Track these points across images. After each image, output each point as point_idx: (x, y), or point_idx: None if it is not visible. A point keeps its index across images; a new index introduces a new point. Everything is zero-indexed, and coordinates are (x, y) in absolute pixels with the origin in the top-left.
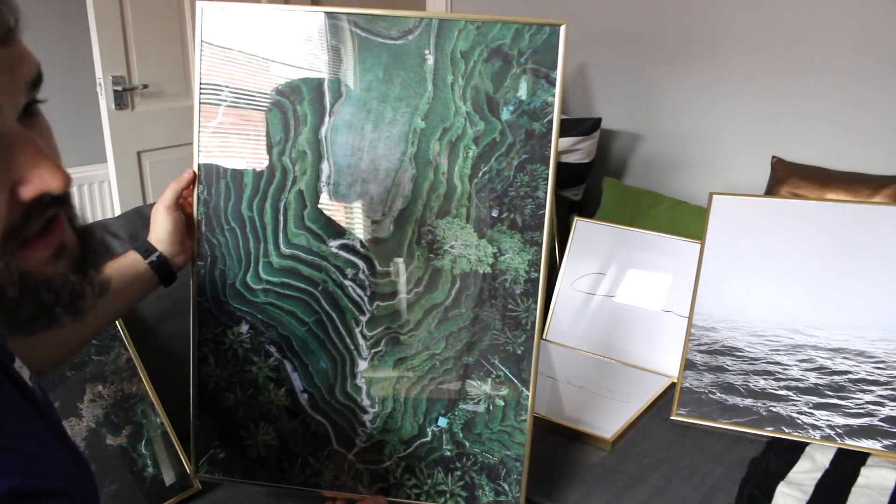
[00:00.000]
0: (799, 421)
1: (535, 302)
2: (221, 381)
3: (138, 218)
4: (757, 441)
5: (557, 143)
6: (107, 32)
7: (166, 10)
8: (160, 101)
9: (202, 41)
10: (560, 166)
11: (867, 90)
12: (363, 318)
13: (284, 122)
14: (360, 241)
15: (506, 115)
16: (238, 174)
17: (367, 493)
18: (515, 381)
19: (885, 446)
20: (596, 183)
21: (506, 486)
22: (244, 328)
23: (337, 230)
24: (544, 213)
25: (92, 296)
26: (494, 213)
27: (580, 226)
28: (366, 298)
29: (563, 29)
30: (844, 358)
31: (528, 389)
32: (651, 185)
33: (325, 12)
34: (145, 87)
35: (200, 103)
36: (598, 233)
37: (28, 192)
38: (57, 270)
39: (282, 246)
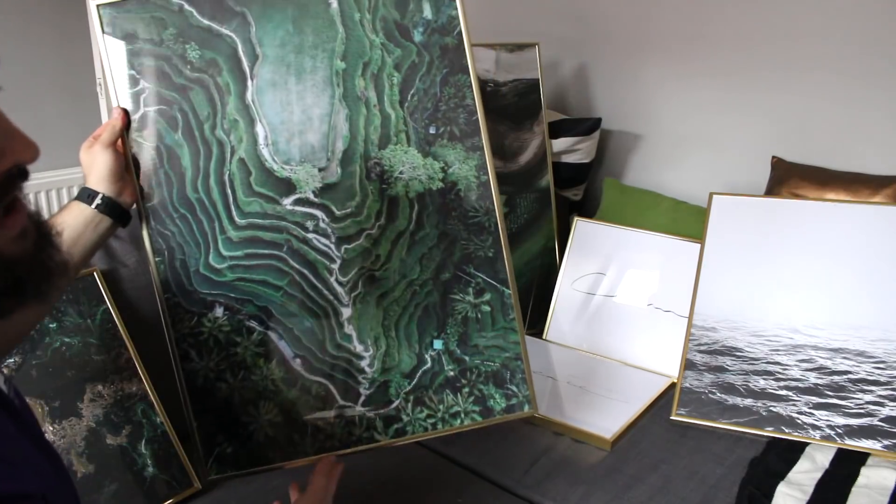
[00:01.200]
0: (799, 421)
1: (493, 203)
2: (209, 374)
3: (138, 217)
4: (757, 441)
5: (472, 50)
6: None
7: None
8: None
9: (103, 34)
10: (560, 166)
11: (867, 90)
12: (335, 266)
13: (209, 96)
14: (313, 192)
15: (418, 37)
16: (175, 160)
17: (384, 440)
18: (494, 283)
19: (885, 446)
20: (596, 183)
21: (514, 388)
22: (219, 312)
23: (287, 187)
24: (477, 118)
25: (56, 275)
26: (432, 131)
27: (580, 226)
28: (332, 245)
29: None
30: (844, 358)
31: (508, 289)
32: (651, 185)
33: None
34: None
35: (118, 98)
36: (598, 233)
37: (4, 163)
38: (25, 249)
39: (236, 218)
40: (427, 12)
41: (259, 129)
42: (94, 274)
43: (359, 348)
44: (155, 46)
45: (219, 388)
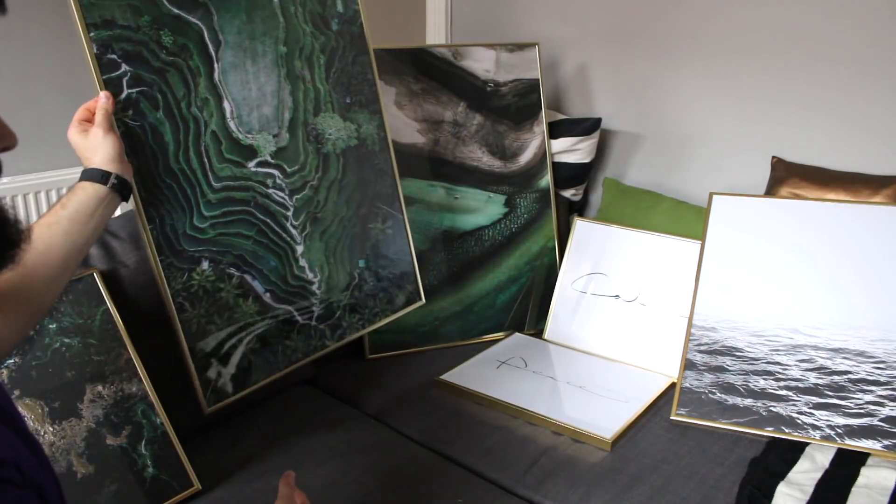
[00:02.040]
0: (799, 421)
1: (388, 152)
2: (202, 320)
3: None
4: (757, 441)
5: (370, 36)
6: None
7: None
8: None
9: (87, 24)
10: (560, 166)
11: (867, 90)
12: (289, 213)
13: (183, 78)
14: (270, 155)
15: (334, 26)
16: (158, 136)
17: (332, 344)
18: (393, 211)
19: (885, 446)
20: (596, 183)
21: (409, 287)
22: (205, 265)
23: (251, 153)
24: (375, 89)
25: (25, 242)
26: (347, 100)
27: (580, 226)
28: (286, 197)
29: None
30: (844, 358)
31: (400, 214)
32: (651, 185)
33: None
34: None
35: (105, 83)
36: (598, 233)
37: None
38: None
39: (213, 182)
40: (339, 7)
41: (226, 105)
42: (94, 274)
43: (310, 276)
44: (133, 32)
45: (209, 331)
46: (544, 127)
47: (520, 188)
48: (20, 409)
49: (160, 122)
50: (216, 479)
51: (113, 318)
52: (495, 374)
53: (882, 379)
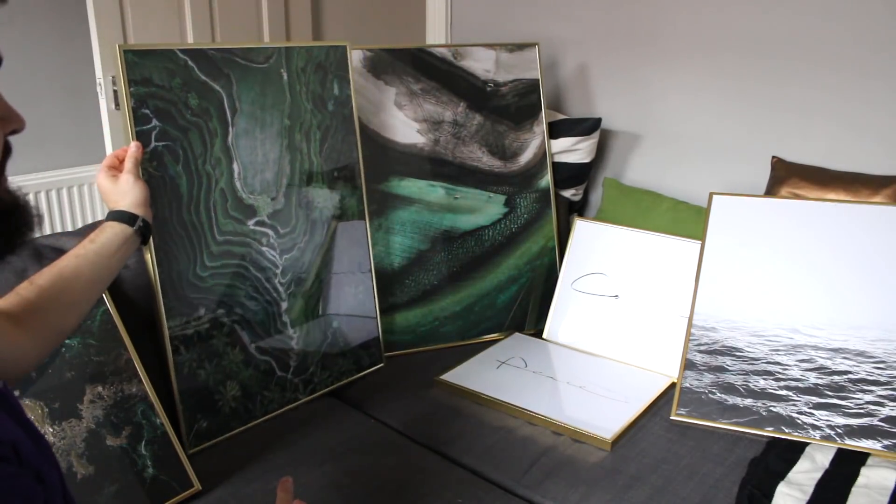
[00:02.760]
0: (799, 421)
1: (366, 223)
2: (192, 363)
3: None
4: (757, 441)
5: (358, 121)
6: (107, 32)
7: (167, 10)
8: None
9: (129, 80)
10: (560, 166)
11: (867, 90)
12: (278, 271)
13: (202, 138)
14: (267, 215)
15: (330, 107)
16: (175, 187)
17: (303, 398)
18: (364, 276)
19: (885, 446)
20: (596, 183)
21: (373, 350)
22: (202, 311)
23: (251, 212)
24: (358, 167)
25: (32, 230)
26: (335, 174)
27: (580, 226)
28: (277, 255)
29: (346, 48)
30: (844, 358)
31: (371, 281)
32: (651, 185)
33: (215, 49)
34: None
35: (137, 134)
36: (598, 233)
37: (9, 126)
38: (14, 199)
39: (217, 235)
40: (336, 90)
41: (235, 166)
42: None
43: (290, 332)
44: (166, 92)
45: (199, 375)
46: (544, 127)
47: (520, 188)
48: None
49: (178, 175)
50: (216, 480)
51: (113, 319)
52: (495, 374)
53: (882, 379)
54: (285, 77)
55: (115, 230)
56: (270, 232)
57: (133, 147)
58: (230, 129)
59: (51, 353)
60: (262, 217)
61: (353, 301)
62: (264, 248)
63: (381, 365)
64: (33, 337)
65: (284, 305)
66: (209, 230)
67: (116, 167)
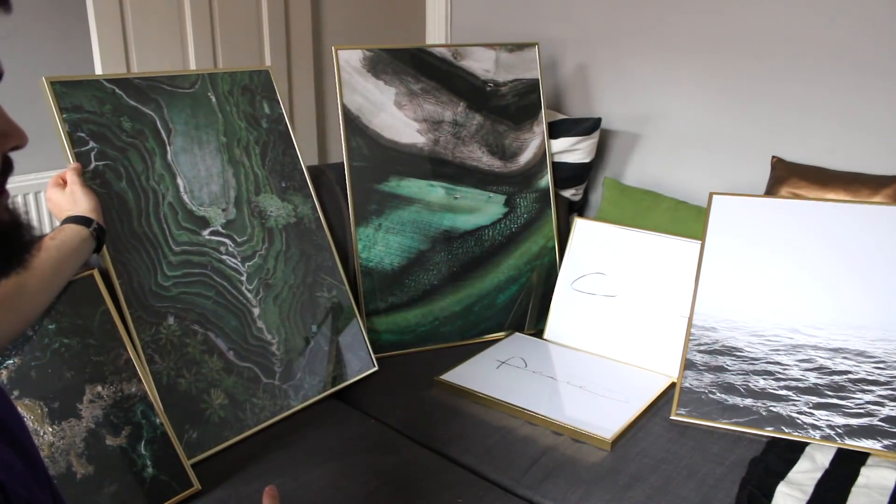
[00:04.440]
0: (799, 421)
1: (324, 229)
2: (171, 372)
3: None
4: (757, 441)
5: (293, 138)
6: (107, 32)
7: (167, 10)
8: None
9: (60, 108)
10: (560, 166)
11: (868, 90)
12: (243, 277)
13: (141, 156)
14: (221, 225)
15: (264, 124)
16: (123, 202)
17: (296, 405)
18: (336, 282)
19: (885, 446)
20: (596, 183)
21: (362, 354)
22: (171, 320)
23: (204, 223)
24: (304, 177)
25: (33, 246)
26: (283, 184)
27: (580, 226)
28: (239, 263)
29: (269, 72)
30: (844, 358)
31: (343, 285)
32: (651, 185)
33: (140, 78)
34: None
35: (76, 155)
36: (598, 233)
37: (9, 142)
38: (14, 218)
39: (172, 246)
40: (266, 109)
41: (179, 180)
42: (94, 274)
43: (268, 337)
44: (97, 117)
45: (179, 384)
46: (544, 127)
47: (520, 188)
48: (20, 409)
49: (124, 191)
50: (216, 480)
51: (112, 319)
52: (495, 374)
53: (882, 379)
54: (213, 99)
55: (73, 229)
56: (228, 241)
57: (72, 165)
58: (168, 147)
59: (14, 339)
60: (216, 227)
61: (329, 305)
62: (224, 257)
63: (375, 369)
64: (4, 322)
65: (257, 311)
66: (164, 241)
67: (62, 185)
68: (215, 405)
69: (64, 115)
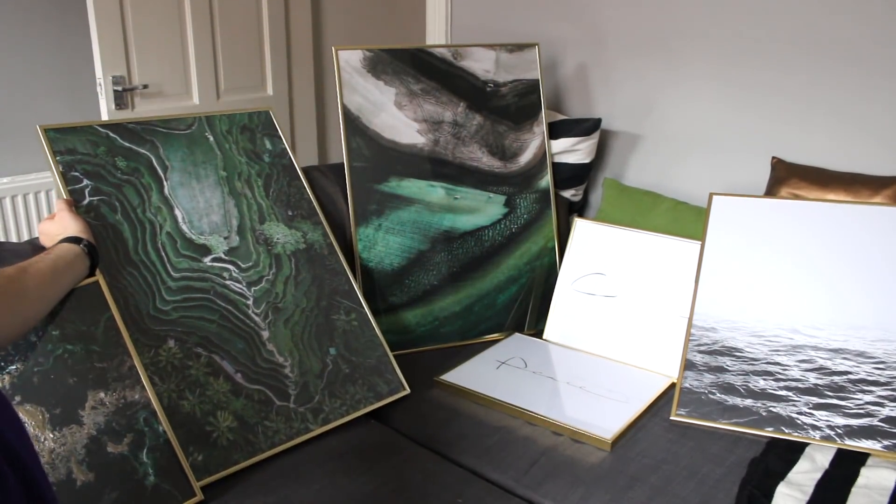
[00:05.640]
0: (799, 421)
1: (337, 254)
2: (173, 394)
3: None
4: (757, 441)
5: (299, 168)
6: (107, 32)
7: (167, 9)
8: (160, 101)
9: (54, 152)
10: (560, 166)
11: (868, 91)
12: (249, 301)
13: (137, 191)
14: (224, 252)
15: (266, 159)
16: (118, 233)
17: (315, 429)
18: (354, 305)
19: (885, 446)
20: (596, 183)
21: (389, 377)
22: (171, 343)
23: (205, 250)
24: (313, 205)
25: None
26: (289, 213)
27: (580, 226)
28: (245, 288)
29: (269, 112)
30: (844, 358)
31: (363, 308)
32: (651, 186)
33: (135, 122)
34: (145, 87)
35: (70, 192)
36: (598, 233)
37: None
38: None
39: (171, 272)
40: (268, 145)
41: (177, 212)
42: (98, 281)
43: (280, 359)
44: (91, 157)
45: (182, 406)
46: (544, 127)
47: (520, 188)
48: (21, 415)
49: (119, 223)
50: (218, 488)
51: (116, 325)
52: (495, 374)
53: (882, 379)
54: (211, 138)
55: (66, 246)
56: (231, 267)
57: (62, 199)
58: (164, 182)
59: (12, 342)
60: (218, 254)
61: (349, 328)
62: (228, 282)
63: (406, 392)
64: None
65: (266, 334)
66: (162, 268)
67: (52, 218)
68: (222, 427)
69: (58, 158)
